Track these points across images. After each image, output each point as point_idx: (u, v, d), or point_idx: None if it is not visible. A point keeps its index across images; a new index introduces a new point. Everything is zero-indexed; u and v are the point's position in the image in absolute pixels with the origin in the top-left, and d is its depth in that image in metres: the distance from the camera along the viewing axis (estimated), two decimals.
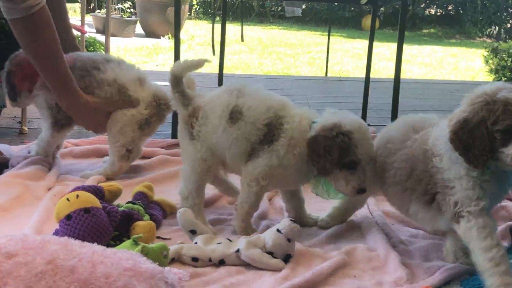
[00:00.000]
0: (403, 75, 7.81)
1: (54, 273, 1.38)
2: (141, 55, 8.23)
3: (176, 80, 2.15)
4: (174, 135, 3.20)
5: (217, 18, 8.54)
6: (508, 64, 6.89)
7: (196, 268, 1.82)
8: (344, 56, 9.66)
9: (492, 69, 7.13)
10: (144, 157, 2.87)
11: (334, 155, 1.94)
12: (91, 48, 5.48)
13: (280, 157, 2.02)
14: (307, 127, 2.04)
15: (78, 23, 3.65)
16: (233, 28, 10.37)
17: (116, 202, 2.12)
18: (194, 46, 9.40)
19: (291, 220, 1.91)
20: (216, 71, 3.83)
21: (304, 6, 13.27)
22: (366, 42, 3.90)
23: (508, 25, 15.48)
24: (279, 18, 14.55)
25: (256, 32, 11.79)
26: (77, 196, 1.91)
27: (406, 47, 10.99)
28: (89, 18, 10.38)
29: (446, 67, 9.44)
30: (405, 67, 8.73)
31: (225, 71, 3.75)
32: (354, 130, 1.96)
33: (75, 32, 4.03)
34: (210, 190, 2.36)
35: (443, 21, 15.71)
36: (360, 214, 2.30)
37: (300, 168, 2.05)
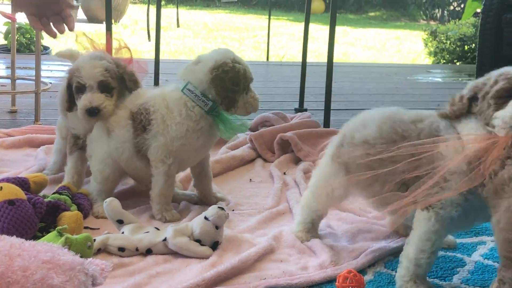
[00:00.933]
0: (346, 59, 7.92)
1: None
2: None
3: None
4: None
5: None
6: (447, 47, 7.04)
7: (123, 258, 1.82)
8: (289, 40, 9.70)
9: (431, 52, 7.28)
10: None
11: (240, 83, 2.11)
12: (28, 35, 5.35)
13: (164, 134, 2.11)
14: (178, 93, 2.14)
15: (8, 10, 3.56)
16: (171, 12, 10.27)
17: (41, 193, 2.09)
18: (138, 31, 9.29)
19: (219, 207, 1.92)
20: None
21: None
22: (312, 26, 3.92)
23: (451, 7, 15.77)
24: (226, 2, 14.48)
25: (201, 16, 11.73)
26: (1, 188, 1.88)
27: (350, 30, 11.17)
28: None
29: (389, 50, 9.59)
30: (349, 50, 8.83)
31: (168, 57, 3.73)
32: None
33: (5, 20, 3.94)
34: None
35: (388, 4, 15.90)
36: (291, 199, 2.32)
37: (193, 133, 2.13)
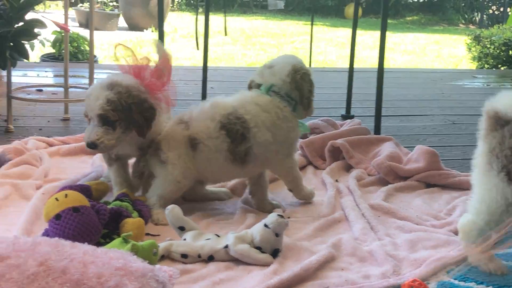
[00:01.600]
0: (386, 64, 7.87)
1: (46, 274, 1.39)
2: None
3: None
4: None
5: (200, 10, 8.51)
6: (491, 51, 6.95)
7: (186, 264, 1.85)
8: (327, 45, 9.67)
9: (475, 57, 7.18)
10: None
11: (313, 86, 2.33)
12: (75, 44, 5.45)
13: (268, 137, 2.23)
14: (265, 97, 2.26)
15: (60, 20, 3.63)
16: (216, 20, 10.36)
17: (102, 200, 2.14)
18: (177, 39, 9.38)
19: (278, 215, 1.93)
20: (200, 64, 3.82)
21: None
22: (349, 31, 3.91)
23: (490, 11, 15.55)
24: (262, 8, 14.52)
25: (239, 23, 11.76)
26: (66, 195, 1.92)
27: (389, 35, 11.05)
28: (71, 12, 10.32)
29: (429, 55, 9.49)
30: (388, 55, 8.76)
31: (208, 64, 3.75)
32: None
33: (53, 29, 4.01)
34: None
35: (425, 8, 15.76)
36: (346, 206, 2.32)
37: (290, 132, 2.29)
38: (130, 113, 2.09)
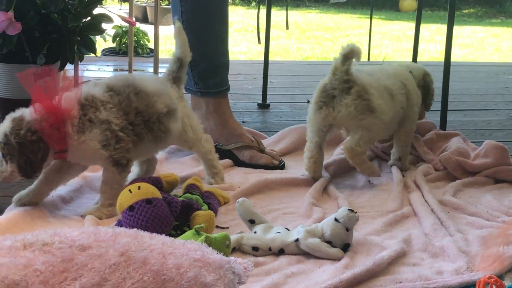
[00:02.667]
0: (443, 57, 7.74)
1: (127, 264, 1.41)
2: None
3: None
4: None
5: (253, 4, 8.52)
6: None
7: (257, 257, 1.86)
8: (382, 38, 9.57)
9: None
10: None
11: None
12: (135, 38, 5.53)
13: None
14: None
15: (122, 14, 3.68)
16: (272, 14, 10.34)
17: (173, 193, 2.16)
18: (232, 33, 9.43)
19: (349, 209, 1.92)
20: (256, 58, 3.83)
21: None
22: (404, 24, 3.88)
23: None
24: (316, 1, 14.45)
25: (292, 17, 11.75)
26: (139, 187, 1.96)
27: (445, 28, 10.89)
28: (126, 7, 10.47)
29: (488, 48, 9.29)
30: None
31: (263, 58, 3.76)
32: None
33: (124, 24, 4.07)
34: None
35: (482, 1, 15.42)
36: (415, 202, 2.30)
37: None
38: (14, 151, 1.95)
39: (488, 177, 2.59)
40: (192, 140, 2.37)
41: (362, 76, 2.48)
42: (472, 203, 2.34)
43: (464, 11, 14.76)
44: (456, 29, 11.07)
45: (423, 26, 10.01)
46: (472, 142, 2.98)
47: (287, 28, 3.83)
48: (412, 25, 10.31)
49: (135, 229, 1.59)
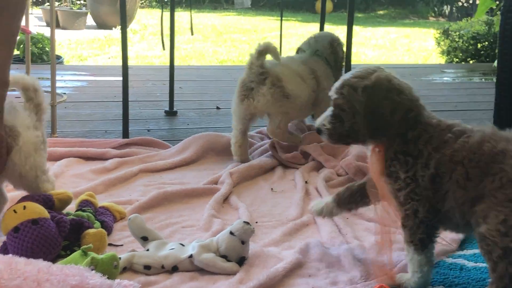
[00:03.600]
0: (357, 59, 7.88)
1: None
2: (93, 47, 8.08)
3: None
4: (125, 134, 3.11)
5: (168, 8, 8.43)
6: (460, 45, 6.98)
7: (149, 276, 1.79)
8: (298, 40, 9.66)
9: (444, 51, 7.21)
10: (96, 159, 2.82)
11: None
12: (40, 45, 5.34)
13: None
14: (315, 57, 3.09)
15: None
16: (185, 17, 10.29)
17: (65, 210, 2.08)
18: (146, 36, 9.29)
19: (244, 222, 1.89)
20: (167, 63, 3.77)
21: None
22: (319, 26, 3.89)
23: (460, 3, 15.68)
24: (233, 4, 14.48)
25: (209, 19, 11.71)
26: (24, 207, 1.87)
27: (360, 29, 11.11)
28: (37, 11, 10.16)
29: (400, 49, 9.53)
30: (359, 50, 8.78)
31: (178, 63, 3.71)
32: None
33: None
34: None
35: (396, 2, 15.85)
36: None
37: None
38: None
39: None
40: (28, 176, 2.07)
41: (274, 66, 2.80)
42: (371, 208, 2.35)
43: (379, 12, 15.14)
44: (370, 30, 11.35)
45: (338, 28, 10.22)
46: None
47: (192, 33, 3.75)
48: (328, 27, 10.45)
49: (10, 255, 1.51)
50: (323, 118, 1.78)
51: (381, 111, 1.69)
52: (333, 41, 3.16)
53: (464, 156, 1.62)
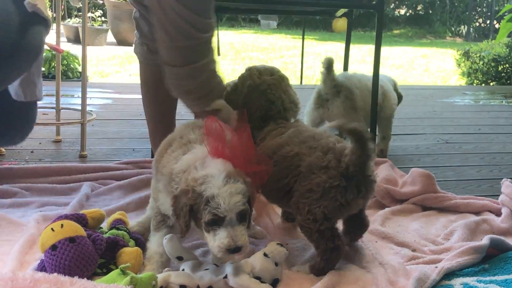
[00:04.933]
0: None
1: None
2: (114, 64, 8.17)
3: None
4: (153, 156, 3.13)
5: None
6: (480, 67, 6.98)
7: None
8: (316, 59, 9.70)
9: (464, 72, 7.23)
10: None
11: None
12: (65, 62, 5.41)
13: None
14: None
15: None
16: None
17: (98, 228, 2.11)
18: None
19: (277, 243, 1.91)
20: None
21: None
22: (338, 45, 3.97)
23: (477, 24, 15.69)
24: (251, 21, 14.57)
25: (227, 37, 11.79)
26: (62, 225, 1.89)
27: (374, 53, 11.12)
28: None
29: (418, 69, 9.54)
30: None
31: None
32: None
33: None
34: None
35: (412, 21, 15.89)
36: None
37: None
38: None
39: (416, 205, 2.64)
40: None
41: (346, 81, 3.20)
42: (400, 231, 2.37)
43: (395, 32, 15.17)
44: (387, 50, 11.37)
45: (355, 47, 10.26)
46: (400, 167, 3.03)
47: (219, 54, 3.77)
48: (342, 45, 10.44)
49: (55, 274, 1.54)
50: None
51: None
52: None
53: (272, 156, 2.01)
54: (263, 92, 2.22)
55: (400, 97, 3.55)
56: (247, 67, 2.34)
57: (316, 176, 1.92)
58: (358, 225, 2.10)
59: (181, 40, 2.14)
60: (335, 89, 3.16)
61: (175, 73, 2.20)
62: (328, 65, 3.13)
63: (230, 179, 1.75)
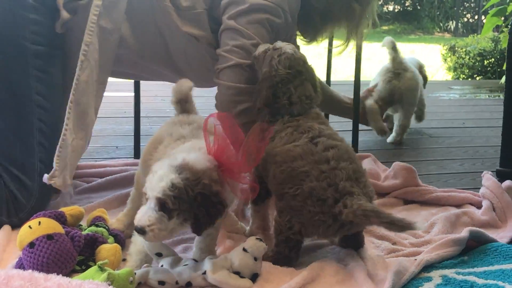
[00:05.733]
0: (362, 75, 7.89)
1: None
2: None
3: None
4: (136, 150, 3.14)
5: None
6: (466, 62, 7.01)
7: None
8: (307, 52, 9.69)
9: (451, 67, 7.25)
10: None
11: None
12: None
13: None
14: None
15: None
16: None
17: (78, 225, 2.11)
18: None
19: (257, 238, 1.91)
20: None
21: None
22: (326, 41, 3.90)
23: (465, 19, 15.74)
24: None
25: None
26: (39, 223, 1.89)
27: (365, 45, 11.11)
28: None
29: None
30: (364, 66, 8.79)
31: None
32: None
33: None
34: None
35: (401, 17, 15.92)
36: None
37: None
38: (192, 204, 1.74)
39: (398, 198, 2.65)
40: None
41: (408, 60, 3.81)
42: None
43: (384, 28, 15.19)
44: (376, 45, 11.35)
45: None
46: (384, 162, 3.04)
47: None
48: (335, 42, 10.42)
49: (29, 270, 1.54)
50: None
51: None
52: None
53: (281, 163, 2.01)
54: (274, 85, 2.17)
55: (425, 79, 4.00)
56: (274, 46, 2.24)
57: (310, 203, 1.90)
58: (353, 242, 2.08)
59: None
60: (403, 64, 3.68)
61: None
62: (393, 44, 3.64)
63: (181, 170, 1.73)
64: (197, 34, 2.41)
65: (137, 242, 1.95)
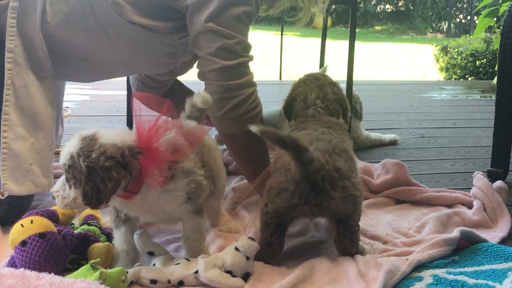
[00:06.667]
0: (356, 75, 7.94)
1: None
2: None
3: None
4: None
5: None
6: (458, 62, 7.04)
7: None
8: (297, 55, 9.72)
9: (443, 67, 7.28)
10: None
11: None
12: None
13: None
14: None
15: None
16: None
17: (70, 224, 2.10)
18: None
19: (249, 238, 1.92)
20: None
21: None
22: (319, 41, 3.93)
23: (458, 20, 15.81)
24: None
25: None
26: (32, 221, 1.89)
27: (358, 45, 11.16)
28: None
29: (398, 64, 9.61)
30: (357, 65, 8.83)
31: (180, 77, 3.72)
32: None
33: None
34: None
35: (394, 17, 15.99)
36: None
37: None
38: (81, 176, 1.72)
39: (389, 198, 2.66)
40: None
41: None
42: (373, 225, 2.38)
43: (377, 28, 15.25)
44: (368, 46, 11.43)
45: (336, 43, 10.30)
46: (375, 162, 3.05)
47: None
48: (328, 42, 10.43)
49: (22, 269, 1.54)
50: None
51: None
52: None
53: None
54: (294, 98, 2.34)
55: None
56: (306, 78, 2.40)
57: (279, 175, 1.99)
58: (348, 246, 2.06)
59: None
60: None
61: None
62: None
63: (84, 141, 1.73)
64: (149, 24, 2.30)
65: (118, 245, 1.95)
